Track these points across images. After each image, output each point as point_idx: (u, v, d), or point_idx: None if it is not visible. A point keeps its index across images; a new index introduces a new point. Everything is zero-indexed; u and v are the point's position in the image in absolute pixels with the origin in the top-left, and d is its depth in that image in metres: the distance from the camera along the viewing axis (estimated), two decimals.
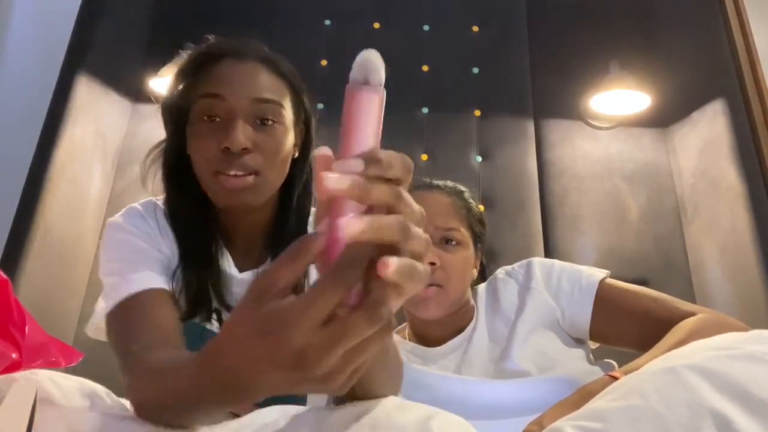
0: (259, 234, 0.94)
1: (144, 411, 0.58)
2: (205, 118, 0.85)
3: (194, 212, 0.90)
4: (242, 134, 0.82)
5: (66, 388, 0.58)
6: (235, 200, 0.85)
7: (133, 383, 0.63)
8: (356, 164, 0.37)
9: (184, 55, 0.93)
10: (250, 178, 0.84)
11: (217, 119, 0.85)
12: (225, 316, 0.95)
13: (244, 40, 0.91)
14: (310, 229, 0.96)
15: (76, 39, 1.64)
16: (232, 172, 0.83)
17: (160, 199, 0.93)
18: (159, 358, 0.65)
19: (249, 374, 0.41)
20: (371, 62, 0.40)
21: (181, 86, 0.89)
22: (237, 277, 0.93)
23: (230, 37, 0.92)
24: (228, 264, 0.93)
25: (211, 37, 0.95)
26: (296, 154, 0.93)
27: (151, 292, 0.79)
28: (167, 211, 0.91)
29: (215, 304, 0.91)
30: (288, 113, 0.89)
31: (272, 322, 0.38)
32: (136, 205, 0.92)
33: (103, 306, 0.81)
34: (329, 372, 0.38)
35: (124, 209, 0.92)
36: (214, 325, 0.94)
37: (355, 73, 0.40)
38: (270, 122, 0.86)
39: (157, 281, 0.81)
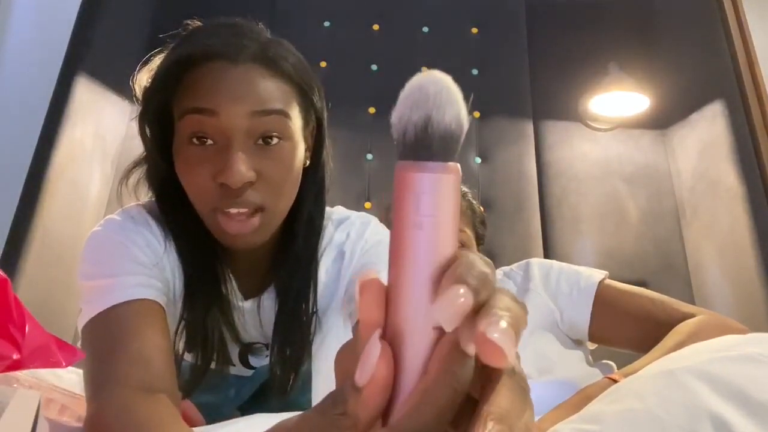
0: (264, 255, 0.81)
1: None
2: (194, 140, 0.69)
3: (197, 237, 0.76)
4: (242, 165, 0.67)
5: (67, 381, 0.59)
6: (239, 242, 0.72)
7: (106, 423, 0.59)
8: (461, 297, 0.24)
9: (161, 55, 0.77)
10: (255, 219, 0.71)
11: (209, 141, 0.69)
12: (252, 359, 0.87)
13: (235, 27, 0.74)
14: (322, 274, 0.83)
15: (75, 39, 1.63)
16: (233, 210, 0.70)
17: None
18: (148, 418, 0.59)
19: None
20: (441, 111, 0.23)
21: (160, 97, 0.72)
22: (239, 305, 0.82)
23: (218, 23, 0.76)
24: (232, 290, 0.81)
25: (192, 22, 0.79)
26: (307, 163, 0.79)
27: (147, 304, 0.69)
28: (170, 232, 0.78)
29: (228, 341, 0.81)
30: (296, 121, 0.73)
31: None
32: (134, 212, 0.78)
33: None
34: None
35: (119, 212, 0.80)
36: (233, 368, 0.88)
37: (405, 132, 0.23)
38: (275, 139, 0.70)
39: (155, 294, 0.71)
